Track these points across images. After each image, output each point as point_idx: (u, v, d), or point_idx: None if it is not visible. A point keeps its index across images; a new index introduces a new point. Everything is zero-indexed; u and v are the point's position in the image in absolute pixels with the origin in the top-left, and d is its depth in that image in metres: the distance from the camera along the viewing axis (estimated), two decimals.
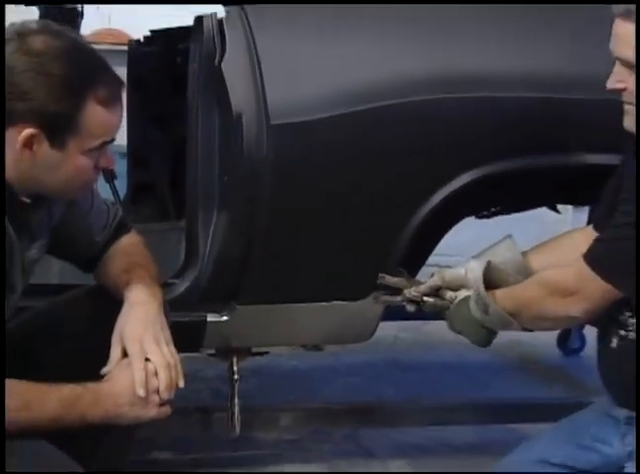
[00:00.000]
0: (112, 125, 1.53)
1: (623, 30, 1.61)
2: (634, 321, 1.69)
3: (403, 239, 2.07)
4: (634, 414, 1.71)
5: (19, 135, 1.45)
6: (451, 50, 2.07)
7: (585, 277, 1.64)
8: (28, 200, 1.54)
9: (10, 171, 1.49)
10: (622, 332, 1.71)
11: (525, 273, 1.90)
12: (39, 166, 1.49)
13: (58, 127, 1.46)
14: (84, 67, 1.47)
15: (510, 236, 1.93)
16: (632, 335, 1.69)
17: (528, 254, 1.94)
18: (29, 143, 1.45)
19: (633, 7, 1.60)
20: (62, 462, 1.46)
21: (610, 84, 1.65)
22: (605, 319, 1.75)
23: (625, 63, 1.62)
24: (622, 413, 1.74)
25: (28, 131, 1.44)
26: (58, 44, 1.45)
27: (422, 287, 1.94)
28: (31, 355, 1.66)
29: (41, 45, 1.43)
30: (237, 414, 2.21)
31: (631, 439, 1.70)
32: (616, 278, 1.61)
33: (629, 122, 1.65)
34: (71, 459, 1.47)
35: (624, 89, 1.63)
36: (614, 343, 1.73)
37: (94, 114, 1.47)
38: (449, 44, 2.08)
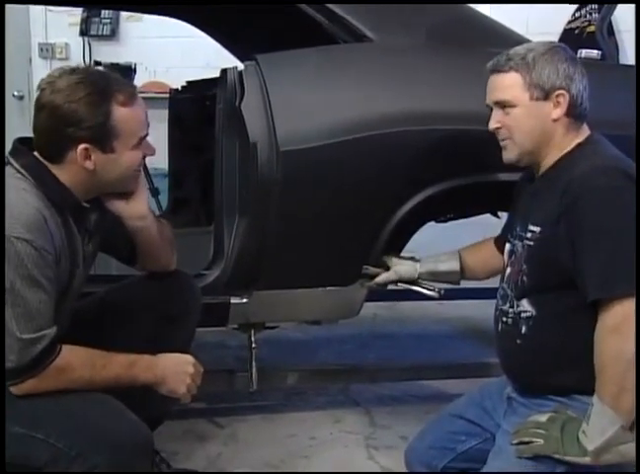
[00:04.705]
0: (140, 120, 1.49)
1: (494, 80, 1.59)
2: (512, 310, 1.59)
3: (381, 240, 2.04)
4: (514, 394, 1.62)
5: (76, 153, 1.43)
6: (413, 94, 2.04)
7: (619, 308, 1.39)
8: (87, 205, 1.52)
9: (77, 185, 1.48)
10: (504, 318, 1.62)
11: (458, 274, 1.91)
12: (99, 171, 1.47)
13: (102, 135, 1.43)
14: (99, 84, 1.44)
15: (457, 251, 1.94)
16: (510, 321, 1.60)
17: (462, 251, 1.94)
18: (87, 156, 1.43)
19: (500, 61, 1.57)
20: (120, 407, 1.45)
21: (490, 125, 1.61)
22: (495, 308, 1.67)
23: (499, 104, 1.58)
24: (507, 390, 1.65)
25: (82, 147, 1.43)
26: (76, 77, 1.43)
27: (380, 280, 2.00)
28: (94, 328, 1.64)
29: (65, 82, 1.42)
30: (254, 374, 2.19)
31: (511, 419, 1.59)
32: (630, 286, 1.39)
33: (508, 156, 1.60)
34: (129, 409, 1.46)
35: (501, 127, 1.59)
36: (500, 327, 1.64)
37: (121, 114, 1.44)
38: (411, 89, 2.05)
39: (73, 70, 1.46)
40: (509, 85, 1.56)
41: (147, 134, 1.52)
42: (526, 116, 1.55)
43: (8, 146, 1.54)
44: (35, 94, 1.49)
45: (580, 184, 1.45)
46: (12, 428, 1.38)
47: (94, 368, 1.44)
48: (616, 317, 1.39)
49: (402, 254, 2.10)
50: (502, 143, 1.61)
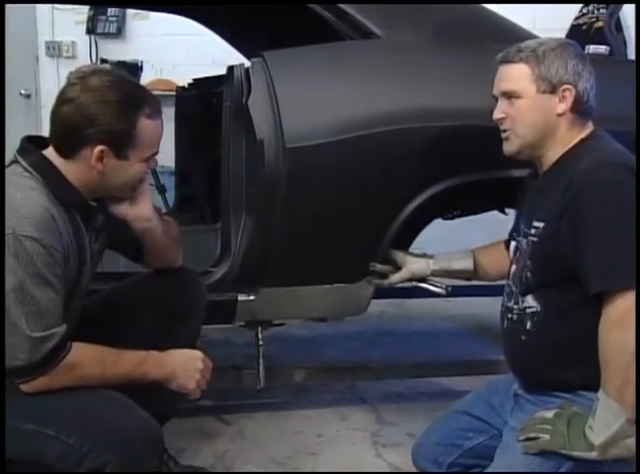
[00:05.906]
0: (159, 135, 1.51)
1: (503, 70, 1.60)
2: (517, 306, 1.59)
3: (388, 237, 2.03)
4: (520, 391, 1.63)
5: (92, 153, 1.43)
6: (420, 90, 2.04)
7: (621, 301, 1.39)
8: (94, 204, 1.53)
9: (83, 183, 1.49)
10: (509, 315, 1.62)
11: (471, 273, 1.90)
12: (107, 174, 1.48)
13: (121, 142, 1.45)
14: (131, 92, 1.45)
15: (470, 250, 1.93)
16: (515, 317, 1.60)
17: (475, 251, 1.93)
18: (100, 158, 1.44)
19: (511, 53, 1.58)
20: (130, 404, 1.46)
21: (495, 115, 1.62)
22: (501, 305, 1.67)
23: (505, 94, 1.59)
24: (514, 387, 1.65)
25: (99, 148, 1.43)
26: (109, 79, 1.44)
27: (394, 279, 1.99)
28: (100, 326, 1.64)
29: (98, 82, 1.43)
30: (261, 371, 2.20)
31: (518, 415, 1.59)
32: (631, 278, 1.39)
33: (509, 148, 1.61)
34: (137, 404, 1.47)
35: (505, 118, 1.60)
36: (505, 324, 1.64)
37: (145, 127, 1.45)
38: (418, 86, 2.05)
39: (106, 71, 1.48)
40: (517, 76, 1.57)
41: (157, 152, 1.54)
42: (531, 107, 1.56)
43: (8, 144, 1.55)
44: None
45: (582, 179, 1.46)
46: (23, 425, 1.39)
47: (104, 365, 1.45)
48: (619, 310, 1.39)
49: (412, 250, 2.10)
50: (504, 135, 1.61)
